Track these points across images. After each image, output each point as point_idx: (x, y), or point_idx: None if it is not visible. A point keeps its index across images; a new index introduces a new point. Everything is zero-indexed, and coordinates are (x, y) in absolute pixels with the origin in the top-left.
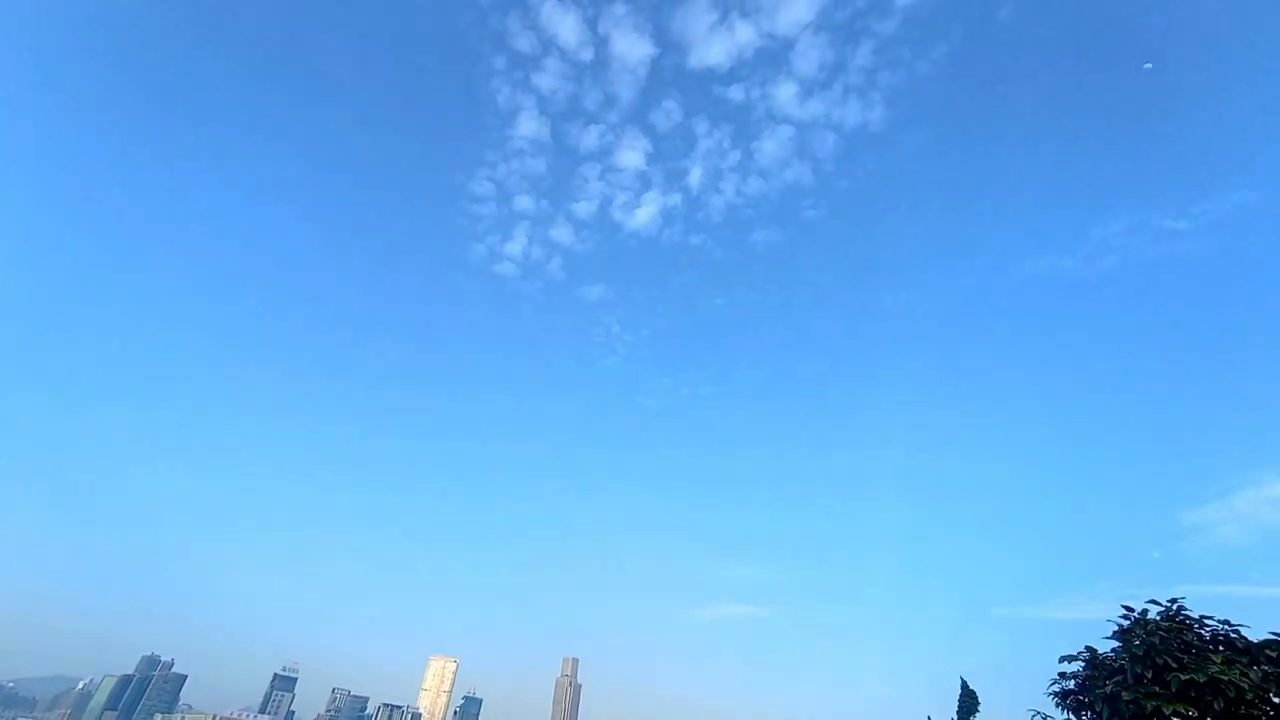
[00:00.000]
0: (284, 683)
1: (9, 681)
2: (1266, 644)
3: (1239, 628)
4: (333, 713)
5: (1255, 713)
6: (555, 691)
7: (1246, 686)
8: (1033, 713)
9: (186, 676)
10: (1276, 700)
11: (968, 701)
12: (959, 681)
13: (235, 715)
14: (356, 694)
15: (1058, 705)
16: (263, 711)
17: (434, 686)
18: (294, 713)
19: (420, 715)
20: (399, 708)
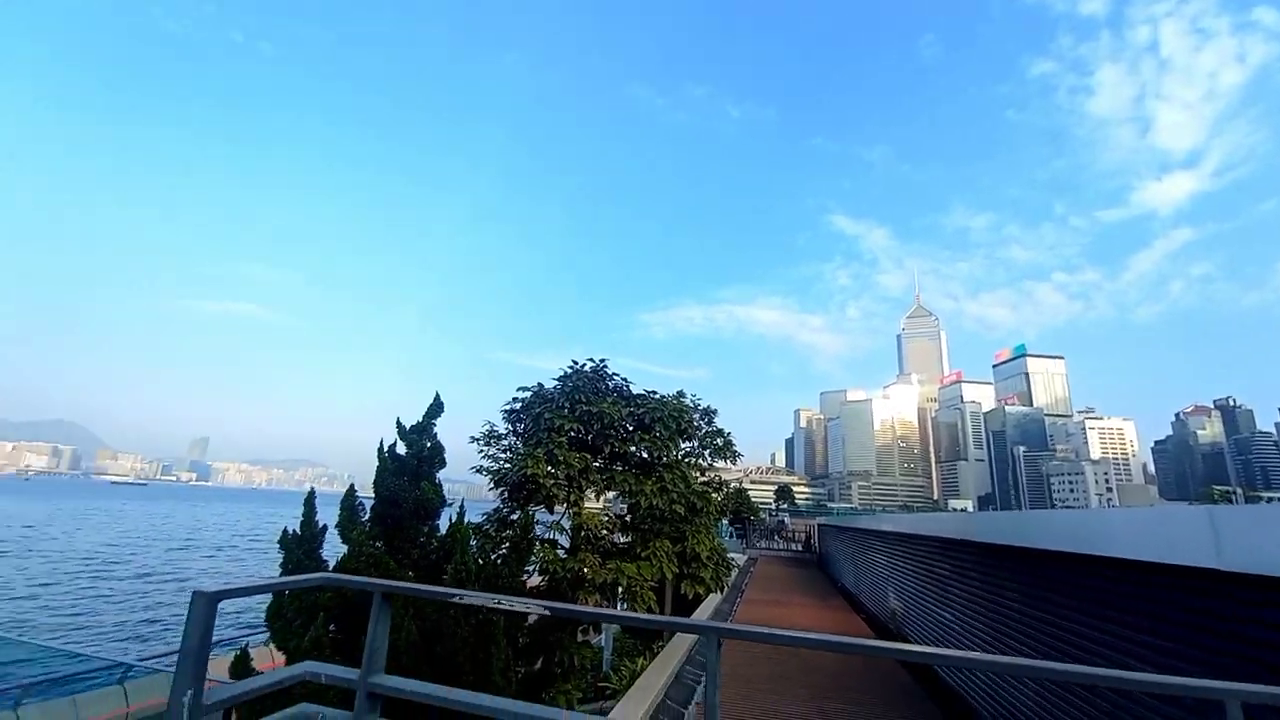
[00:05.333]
0: None
1: None
2: (638, 396)
3: (631, 384)
4: None
5: (615, 432)
6: None
7: (616, 416)
8: (485, 421)
9: None
10: (630, 425)
11: (434, 408)
12: (435, 393)
13: None
14: None
15: (504, 419)
16: None
17: None
18: None
19: None
20: None
